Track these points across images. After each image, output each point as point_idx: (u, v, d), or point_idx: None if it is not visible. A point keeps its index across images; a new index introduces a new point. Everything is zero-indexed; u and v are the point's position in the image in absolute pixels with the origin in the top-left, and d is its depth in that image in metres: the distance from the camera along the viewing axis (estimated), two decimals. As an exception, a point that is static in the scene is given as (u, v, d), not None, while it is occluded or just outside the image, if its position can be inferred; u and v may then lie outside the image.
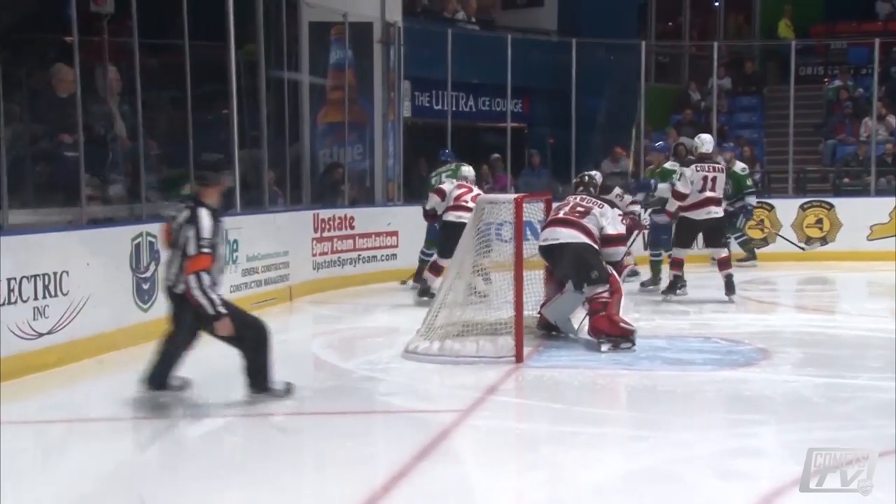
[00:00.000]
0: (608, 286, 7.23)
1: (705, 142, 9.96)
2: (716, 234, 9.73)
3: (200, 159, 6.13)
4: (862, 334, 8.10)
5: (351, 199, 12.11)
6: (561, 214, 7.52)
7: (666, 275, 10.20)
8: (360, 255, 11.43)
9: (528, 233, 8.02)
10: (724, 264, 9.70)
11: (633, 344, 7.21)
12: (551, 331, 7.69)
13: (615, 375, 6.66)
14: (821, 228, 13.65)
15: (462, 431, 5.39)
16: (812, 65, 17.62)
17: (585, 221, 7.41)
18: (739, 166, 12.59)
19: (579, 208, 7.51)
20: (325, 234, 10.92)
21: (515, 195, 7.40)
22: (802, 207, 13.71)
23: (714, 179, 9.61)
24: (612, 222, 7.48)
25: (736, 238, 12.50)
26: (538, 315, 7.72)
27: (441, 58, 13.13)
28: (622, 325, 7.23)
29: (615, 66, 15.54)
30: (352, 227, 11.32)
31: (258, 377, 5.74)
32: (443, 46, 13.10)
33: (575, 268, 7.34)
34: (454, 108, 13.74)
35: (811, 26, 18.60)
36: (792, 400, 6.01)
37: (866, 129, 15.01)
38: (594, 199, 7.59)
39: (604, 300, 7.20)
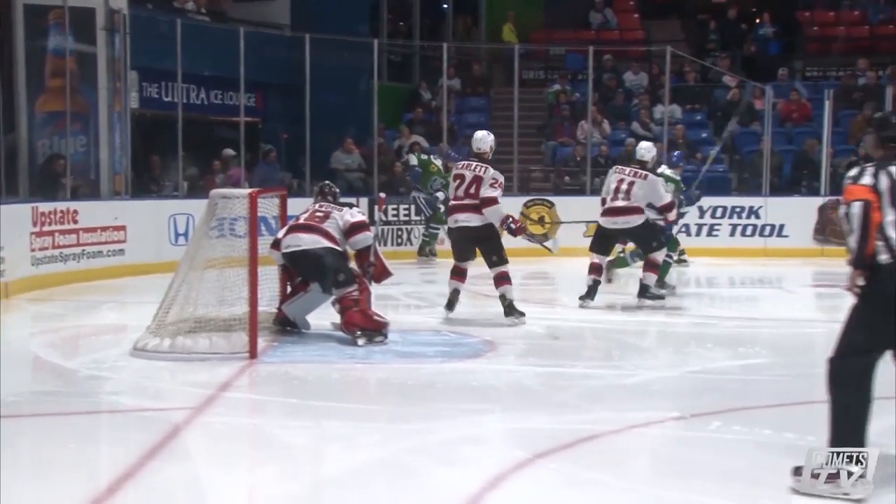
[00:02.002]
0: (356, 286, 7.36)
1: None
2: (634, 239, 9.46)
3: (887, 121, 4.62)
4: (579, 326, 8.59)
5: (74, 193, 11.58)
6: (302, 220, 7.58)
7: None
8: (84, 251, 10.93)
9: (263, 228, 7.98)
10: (645, 264, 9.24)
11: (386, 337, 7.38)
12: (287, 326, 7.71)
13: (349, 369, 6.74)
14: (543, 225, 14.34)
15: (193, 429, 5.30)
16: (534, 69, 18.41)
17: (326, 225, 7.51)
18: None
19: (319, 213, 7.61)
20: (46, 228, 10.37)
21: (250, 190, 7.34)
22: (526, 205, 14.36)
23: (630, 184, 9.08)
24: (352, 215, 7.64)
25: None
26: (277, 311, 7.72)
27: (170, 48, 12.76)
28: (376, 318, 7.42)
29: (348, 63, 15.68)
30: (75, 222, 10.81)
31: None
32: (172, 37, 12.74)
33: (321, 273, 7.42)
34: (185, 101, 13.40)
35: (532, 32, 19.45)
36: (515, 389, 6.31)
37: (582, 131, 15.90)
38: (333, 206, 7.71)
39: (354, 297, 7.32)
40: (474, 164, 8.28)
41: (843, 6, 19.81)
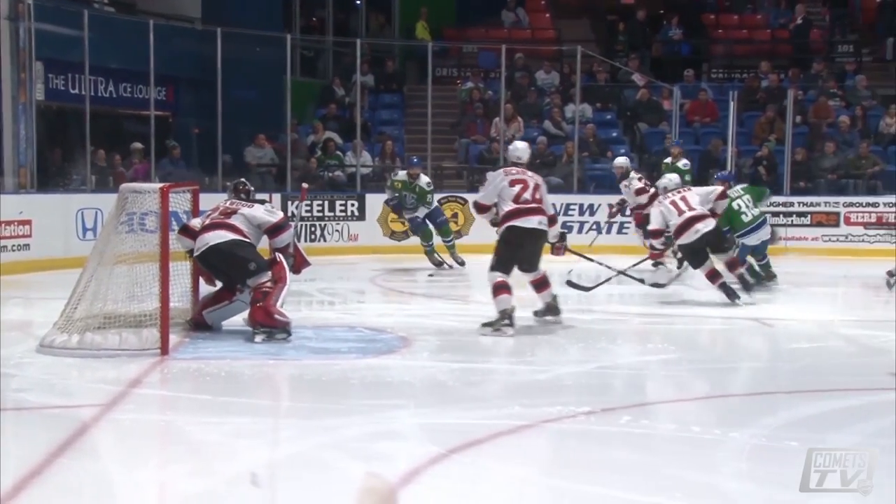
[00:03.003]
0: (271, 274, 7.32)
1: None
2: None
3: None
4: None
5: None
6: (208, 221, 7.53)
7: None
8: (-13, 246, 10.71)
9: (174, 224, 7.88)
10: (728, 265, 9.67)
11: (289, 335, 7.31)
12: (201, 327, 7.64)
13: (262, 365, 6.70)
14: (456, 222, 14.43)
15: (102, 426, 5.22)
16: (447, 66, 18.53)
17: (231, 220, 7.47)
18: (682, 161, 13.19)
19: (227, 210, 7.58)
20: (-53, 222, 10.13)
21: (161, 185, 7.25)
22: (440, 202, 14.42)
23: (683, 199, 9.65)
24: (266, 214, 7.63)
25: None
26: (194, 317, 7.67)
27: (77, 39, 12.54)
28: (278, 316, 7.31)
29: (261, 58, 15.57)
30: (-23, 216, 10.58)
31: None
32: (79, 27, 12.52)
33: (231, 265, 7.37)
34: (93, 94, 13.18)
35: (445, 30, 19.53)
36: (429, 384, 6.34)
37: (496, 129, 16.03)
38: (242, 202, 7.69)
39: (265, 290, 7.27)
40: (528, 171, 8.17)
41: (746, 10, 20.33)
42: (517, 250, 8.01)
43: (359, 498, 4.16)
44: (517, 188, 7.96)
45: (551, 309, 8.28)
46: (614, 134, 16.95)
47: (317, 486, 4.39)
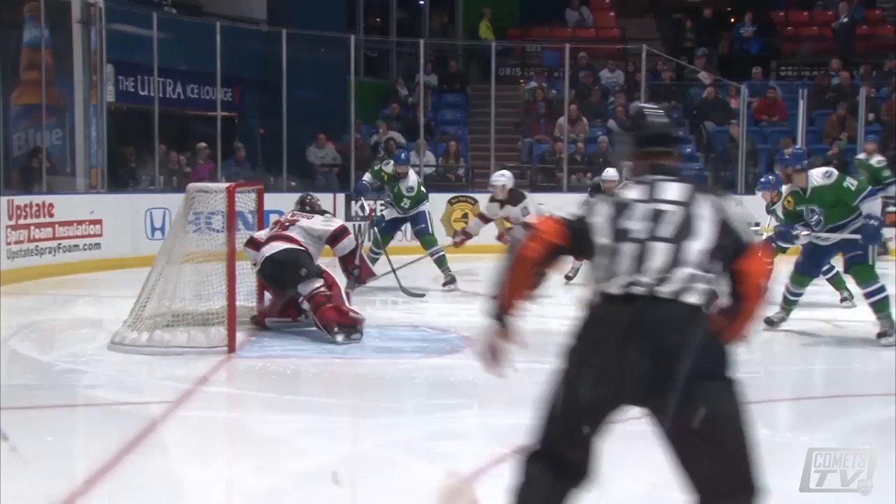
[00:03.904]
0: (323, 280, 7.36)
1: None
2: None
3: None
4: (554, 320, 8.61)
5: (50, 186, 11.52)
6: (270, 234, 7.63)
7: None
8: (60, 244, 10.88)
9: (240, 223, 7.97)
10: None
11: (361, 333, 7.36)
12: (263, 326, 7.72)
13: (326, 364, 6.75)
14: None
15: (171, 423, 5.30)
16: (510, 66, 18.46)
17: (288, 231, 7.55)
18: (876, 159, 12.85)
19: (285, 223, 7.66)
20: (21, 221, 10.31)
21: (227, 185, 7.33)
22: (450, 202, 14.29)
23: None
24: (323, 224, 7.69)
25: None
26: (257, 315, 7.75)
27: (147, 42, 12.73)
28: (351, 314, 7.39)
29: (325, 59, 15.67)
30: (51, 215, 10.76)
31: None
32: (148, 30, 12.71)
33: (283, 271, 7.41)
34: (161, 95, 13.35)
35: (508, 29, 19.47)
36: (493, 384, 6.21)
37: (560, 128, 15.94)
38: (302, 214, 7.77)
39: (325, 293, 7.30)
40: None
41: (816, 6, 19.98)
42: None
43: (440, 499, 4.15)
44: None
45: None
46: (680, 133, 16.76)
47: (381, 484, 4.40)
